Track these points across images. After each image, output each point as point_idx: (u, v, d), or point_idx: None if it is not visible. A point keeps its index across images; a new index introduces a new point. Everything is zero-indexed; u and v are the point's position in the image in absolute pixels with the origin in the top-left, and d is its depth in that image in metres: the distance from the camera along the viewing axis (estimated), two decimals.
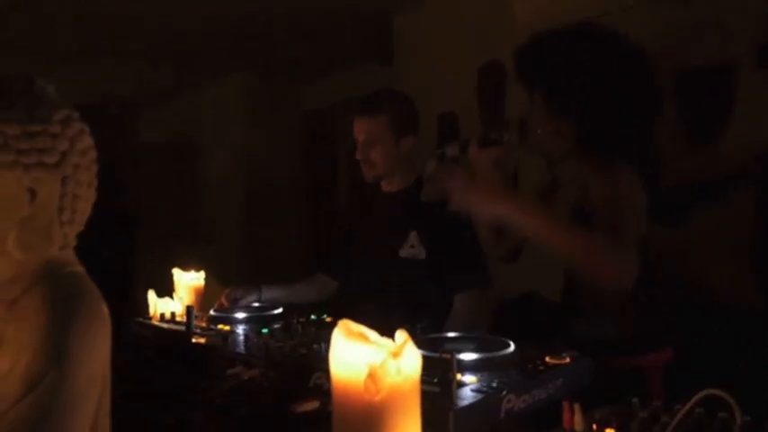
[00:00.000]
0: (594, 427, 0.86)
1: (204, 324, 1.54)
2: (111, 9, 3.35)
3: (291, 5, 3.38)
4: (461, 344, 1.18)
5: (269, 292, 1.91)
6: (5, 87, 0.83)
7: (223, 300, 1.83)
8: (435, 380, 0.91)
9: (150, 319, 1.62)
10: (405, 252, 1.82)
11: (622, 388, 1.25)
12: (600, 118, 1.41)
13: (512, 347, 1.13)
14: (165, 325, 1.55)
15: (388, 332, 0.66)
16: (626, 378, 1.39)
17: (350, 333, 0.61)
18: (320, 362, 1.07)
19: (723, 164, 2.21)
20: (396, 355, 0.60)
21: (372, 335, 0.63)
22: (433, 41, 3.40)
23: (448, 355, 0.88)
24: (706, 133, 2.29)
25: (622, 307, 1.47)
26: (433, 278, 1.78)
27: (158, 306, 1.65)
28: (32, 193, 0.83)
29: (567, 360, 1.11)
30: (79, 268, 0.87)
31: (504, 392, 0.95)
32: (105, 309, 0.84)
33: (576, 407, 0.88)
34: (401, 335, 0.63)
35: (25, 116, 0.81)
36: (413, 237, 1.82)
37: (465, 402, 0.90)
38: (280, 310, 1.66)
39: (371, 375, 0.59)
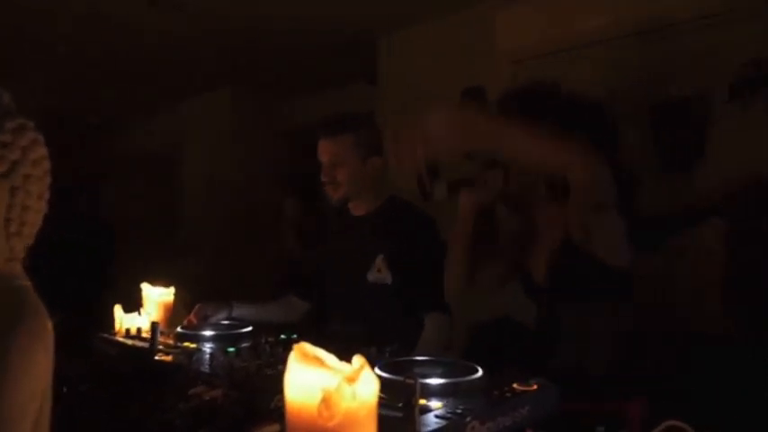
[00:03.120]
0: None
1: (171, 341, 1.50)
2: (95, 23, 3.34)
3: (278, 23, 3.40)
4: (429, 368, 1.17)
5: (239, 310, 1.88)
6: None
7: (192, 317, 1.80)
8: (400, 405, 0.89)
9: (115, 334, 1.58)
10: (372, 276, 1.83)
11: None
12: None
13: (479, 373, 1.12)
14: (129, 341, 1.51)
15: (355, 354, 0.64)
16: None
17: (305, 357, 0.60)
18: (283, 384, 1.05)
19: (695, 197, 2.25)
20: (351, 379, 0.59)
21: (329, 359, 0.62)
22: (416, 65, 3.44)
23: (411, 381, 0.87)
24: (679, 164, 2.33)
25: (607, 333, 1.46)
26: (400, 302, 1.78)
27: (124, 321, 1.61)
28: None
29: (535, 387, 1.10)
30: (25, 282, 0.85)
31: (469, 419, 0.94)
32: (49, 324, 0.81)
33: None
34: (358, 359, 0.62)
35: None
36: (379, 261, 1.82)
37: (428, 429, 0.89)
38: (249, 329, 1.62)
39: (325, 400, 0.58)
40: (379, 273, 1.81)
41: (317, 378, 0.59)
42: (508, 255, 1.69)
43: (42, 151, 0.86)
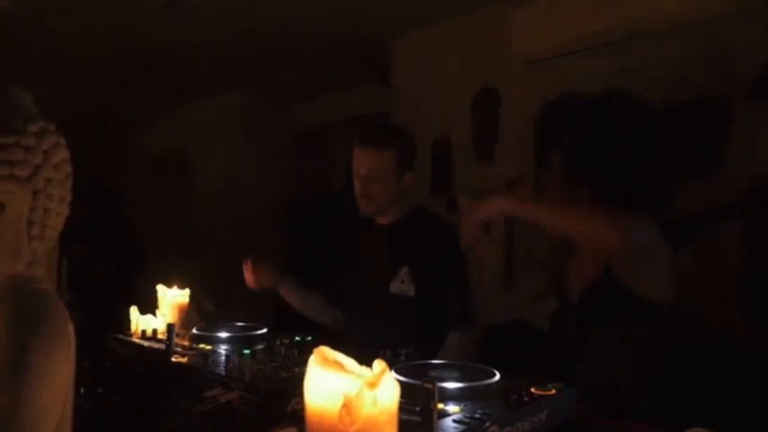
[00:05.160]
0: None
1: (186, 343, 1.51)
2: (111, 25, 3.37)
3: (290, 25, 3.40)
4: (446, 372, 1.16)
5: (286, 286, 1.97)
6: None
7: (248, 270, 1.92)
8: (417, 409, 0.88)
9: (131, 335, 1.59)
10: (395, 287, 1.79)
11: None
12: (615, 183, 1.46)
13: (497, 377, 1.11)
14: (145, 342, 1.51)
15: (373, 358, 0.64)
16: None
17: (325, 361, 0.59)
18: (300, 386, 1.05)
19: (713, 197, 2.22)
20: (372, 385, 0.59)
21: (350, 363, 0.62)
22: (429, 66, 3.43)
23: (430, 385, 0.86)
24: (697, 166, 2.29)
25: (631, 361, 1.45)
26: (423, 316, 1.75)
27: (140, 323, 1.61)
28: (1, 206, 0.80)
29: (553, 392, 1.09)
30: (46, 285, 0.85)
31: (488, 424, 0.93)
32: (70, 328, 0.81)
33: None
34: (379, 364, 0.61)
35: None
36: (403, 272, 1.78)
37: None
38: (264, 331, 1.62)
39: (346, 406, 0.57)
40: (402, 284, 1.76)
41: (337, 383, 0.59)
42: (550, 268, 1.67)
43: (64, 154, 0.86)
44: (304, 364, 1.14)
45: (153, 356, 1.42)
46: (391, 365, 1.05)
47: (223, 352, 1.40)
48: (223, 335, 1.54)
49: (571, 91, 1.62)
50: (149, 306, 1.71)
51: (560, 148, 1.52)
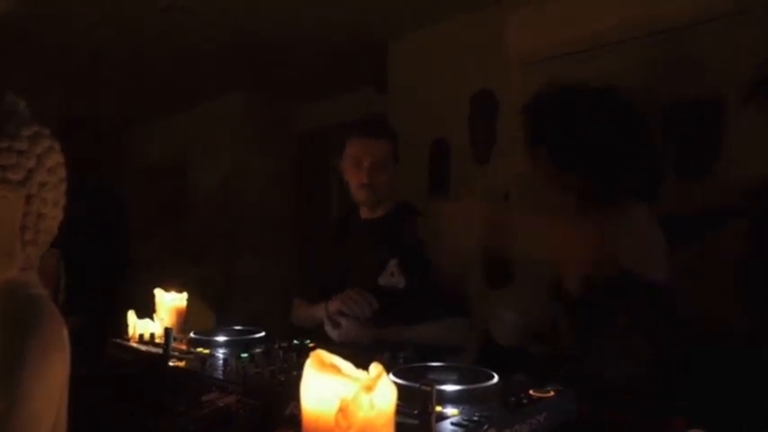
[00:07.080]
0: None
1: (184, 347, 1.50)
2: (111, 25, 3.36)
3: (289, 29, 3.40)
4: (444, 374, 1.15)
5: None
6: None
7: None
8: (415, 412, 0.88)
9: (128, 339, 1.59)
10: (384, 280, 1.80)
11: None
12: (602, 170, 1.44)
13: (495, 379, 1.10)
14: (142, 347, 1.51)
15: (368, 360, 0.63)
16: None
17: (322, 365, 0.59)
18: (298, 390, 1.04)
19: (709, 199, 2.22)
20: (369, 388, 0.58)
21: (346, 366, 0.61)
22: (426, 69, 3.43)
23: (428, 387, 0.86)
24: (693, 168, 2.30)
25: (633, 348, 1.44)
26: (411, 307, 1.76)
27: (138, 327, 1.61)
28: None
29: (552, 394, 1.08)
30: (40, 290, 0.84)
31: (486, 427, 0.92)
32: (65, 332, 0.81)
33: None
34: (375, 367, 0.61)
35: None
36: (393, 265, 1.80)
37: None
38: (262, 334, 1.62)
39: (343, 410, 0.57)
40: (392, 277, 1.79)
41: (334, 386, 0.59)
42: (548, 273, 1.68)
43: (58, 158, 0.85)
44: (302, 367, 1.14)
45: (150, 360, 1.42)
46: (389, 368, 1.05)
47: (221, 356, 1.40)
48: (221, 339, 1.54)
49: (557, 83, 1.58)
50: (147, 310, 1.71)
51: (546, 143, 1.51)
